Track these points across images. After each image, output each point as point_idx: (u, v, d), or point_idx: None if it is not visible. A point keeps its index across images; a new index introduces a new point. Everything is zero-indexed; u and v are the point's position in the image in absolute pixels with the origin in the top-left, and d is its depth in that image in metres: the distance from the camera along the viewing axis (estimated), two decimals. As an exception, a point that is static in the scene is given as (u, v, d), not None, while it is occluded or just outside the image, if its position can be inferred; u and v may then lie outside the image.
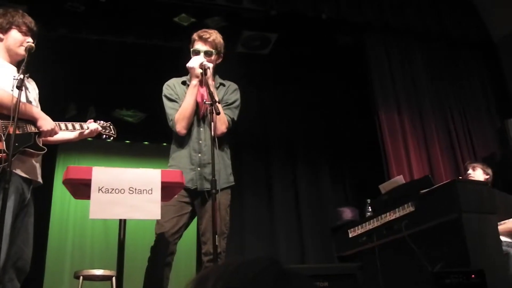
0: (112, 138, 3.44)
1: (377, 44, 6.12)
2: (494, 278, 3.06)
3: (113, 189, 2.60)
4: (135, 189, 2.62)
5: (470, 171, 4.77)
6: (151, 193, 2.63)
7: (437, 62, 6.42)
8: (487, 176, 4.69)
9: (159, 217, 2.69)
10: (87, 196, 2.59)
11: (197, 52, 3.42)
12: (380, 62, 6.07)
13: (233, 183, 3.46)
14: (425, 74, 6.25)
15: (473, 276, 2.82)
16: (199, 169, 3.28)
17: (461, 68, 6.54)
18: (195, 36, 3.48)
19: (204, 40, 3.43)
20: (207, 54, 3.42)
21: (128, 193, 2.61)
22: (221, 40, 3.52)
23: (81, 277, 4.31)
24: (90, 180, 2.57)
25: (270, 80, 6.16)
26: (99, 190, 2.57)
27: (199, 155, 3.31)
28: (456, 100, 6.33)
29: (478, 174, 4.69)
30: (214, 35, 3.48)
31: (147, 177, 2.67)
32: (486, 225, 3.43)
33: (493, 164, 5.80)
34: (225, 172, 3.39)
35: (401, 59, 6.20)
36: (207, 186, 3.21)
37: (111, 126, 3.48)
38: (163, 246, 3.15)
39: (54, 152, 5.61)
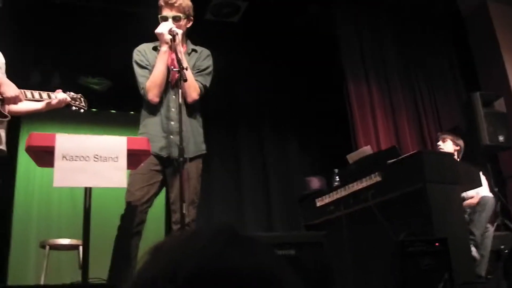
0: (82, 110, 3.35)
1: (347, 16, 6.12)
2: (457, 246, 3.15)
3: (77, 156, 2.55)
4: (100, 157, 2.58)
5: (440, 142, 4.83)
6: (117, 161, 2.59)
7: (405, 35, 6.47)
8: (457, 147, 4.75)
9: (125, 185, 2.65)
10: (51, 164, 2.53)
11: (165, 19, 3.34)
12: (350, 34, 6.08)
13: (205, 152, 3.43)
14: (393, 47, 6.29)
15: (436, 244, 2.88)
16: (171, 136, 3.23)
17: (429, 41, 6.59)
18: (161, 2, 3.36)
19: (171, 6, 3.32)
20: (176, 19, 3.33)
21: (93, 161, 2.56)
22: (189, 3, 3.42)
23: (48, 247, 4.26)
24: (53, 147, 2.52)
25: (238, 49, 6.08)
26: (63, 157, 2.52)
27: (171, 122, 3.26)
28: (423, 73, 6.41)
29: (448, 145, 4.75)
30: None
31: (113, 145, 2.63)
32: (449, 195, 3.51)
33: (458, 136, 5.92)
34: (196, 140, 3.36)
35: (370, 31, 6.22)
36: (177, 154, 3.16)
37: (82, 98, 3.37)
38: (133, 215, 3.12)
39: (18, 119, 5.47)
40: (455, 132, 5.16)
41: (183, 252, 0.63)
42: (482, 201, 4.27)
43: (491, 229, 4.31)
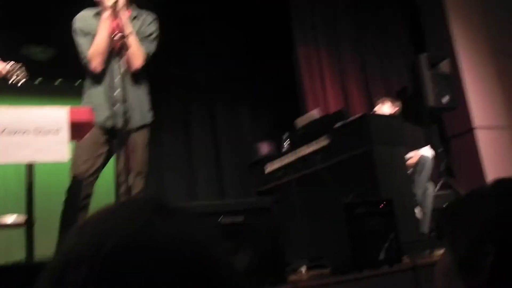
0: (21, 82, 3.16)
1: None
2: (402, 206, 3.24)
3: (16, 131, 2.45)
4: (41, 130, 2.49)
5: (377, 105, 4.92)
6: (58, 134, 2.51)
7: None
8: (395, 109, 4.84)
9: (67, 159, 2.58)
10: (-11, 140, 2.43)
11: None
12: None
13: (151, 121, 3.37)
14: (343, 8, 6.29)
15: (382, 205, 2.96)
16: (116, 106, 3.15)
17: (378, 3, 6.62)
18: None
19: None
20: None
21: (33, 135, 2.47)
22: None
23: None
24: (-11, 122, 2.42)
25: (187, 13, 5.95)
26: (1, 132, 2.42)
27: (115, 91, 3.17)
28: (371, 36, 6.45)
29: (386, 107, 4.84)
30: None
31: (54, 117, 2.53)
32: (395, 157, 3.60)
33: (405, 97, 6.04)
34: (142, 109, 3.29)
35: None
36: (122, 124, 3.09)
37: (21, 68, 3.19)
38: (79, 188, 3.07)
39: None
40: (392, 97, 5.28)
41: (107, 226, 0.62)
42: (421, 160, 4.39)
43: (431, 187, 4.45)
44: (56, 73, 6.14)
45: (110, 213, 0.66)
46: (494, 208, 0.88)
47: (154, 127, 3.44)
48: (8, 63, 3.08)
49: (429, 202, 4.27)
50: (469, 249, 0.87)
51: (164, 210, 0.66)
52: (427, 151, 4.60)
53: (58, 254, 0.64)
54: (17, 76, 3.11)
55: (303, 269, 3.25)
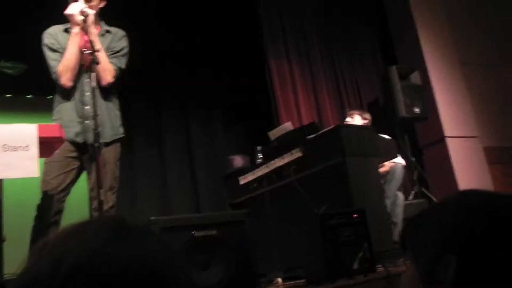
0: None
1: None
2: (375, 216, 3.27)
3: (-16, 147, 2.42)
4: (10, 146, 2.45)
5: (348, 118, 4.96)
6: (28, 150, 2.47)
7: (326, 9, 6.55)
8: (366, 121, 4.88)
9: (37, 175, 2.55)
10: (-45, 156, 2.39)
11: None
12: (271, 9, 6.08)
13: (122, 135, 3.35)
14: (314, 22, 6.36)
15: (355, 215, 2.98)
16: (86, 121, 3.13)
17: (349, 16, 6.72)
18: None
19: None
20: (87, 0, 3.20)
21: (1, 151, 2.44)
22: None
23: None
24: (-45, 138, 2.37)
25: (158, 26, 5.94)
26: (-33, 149, 2.38)
27: (86, 107, 3.15)
28: (343, 48, 6.54)
29: (356, 120, 4.88)
30: None
31: (22, 133, 2.50)
32: (368, 168, 3.63)
33: (377, 109, 6.13)
34: (113, 124, 3.27)
35: (291, 7, 6.25)
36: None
37: None
38: (50, 204, 3.02)
39: None
40: (362, 108, 5.35)
41: (66, 247, 0.63)
42: (391, 170, 4.44)
43: (401, 196, 4.49)
44: (27, 87, 6.06)
45: (69, 234, 0.66)
46: (455, 219, 0.89)
47: (126, 141, 3.41)
48: None
49: (399, 211, 4.30)
50: (431, 260, 0.88)
51: (124, 230, 0.66)
52: (398, 161, 4.65)
53: (19, 273, 0.64)
54: None
55: (279, 280, 3.25)
